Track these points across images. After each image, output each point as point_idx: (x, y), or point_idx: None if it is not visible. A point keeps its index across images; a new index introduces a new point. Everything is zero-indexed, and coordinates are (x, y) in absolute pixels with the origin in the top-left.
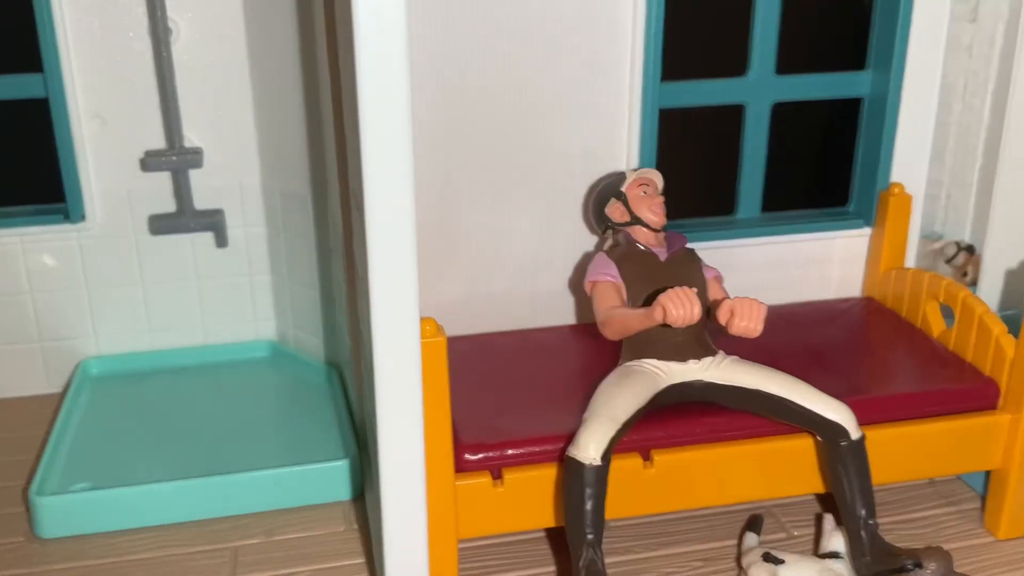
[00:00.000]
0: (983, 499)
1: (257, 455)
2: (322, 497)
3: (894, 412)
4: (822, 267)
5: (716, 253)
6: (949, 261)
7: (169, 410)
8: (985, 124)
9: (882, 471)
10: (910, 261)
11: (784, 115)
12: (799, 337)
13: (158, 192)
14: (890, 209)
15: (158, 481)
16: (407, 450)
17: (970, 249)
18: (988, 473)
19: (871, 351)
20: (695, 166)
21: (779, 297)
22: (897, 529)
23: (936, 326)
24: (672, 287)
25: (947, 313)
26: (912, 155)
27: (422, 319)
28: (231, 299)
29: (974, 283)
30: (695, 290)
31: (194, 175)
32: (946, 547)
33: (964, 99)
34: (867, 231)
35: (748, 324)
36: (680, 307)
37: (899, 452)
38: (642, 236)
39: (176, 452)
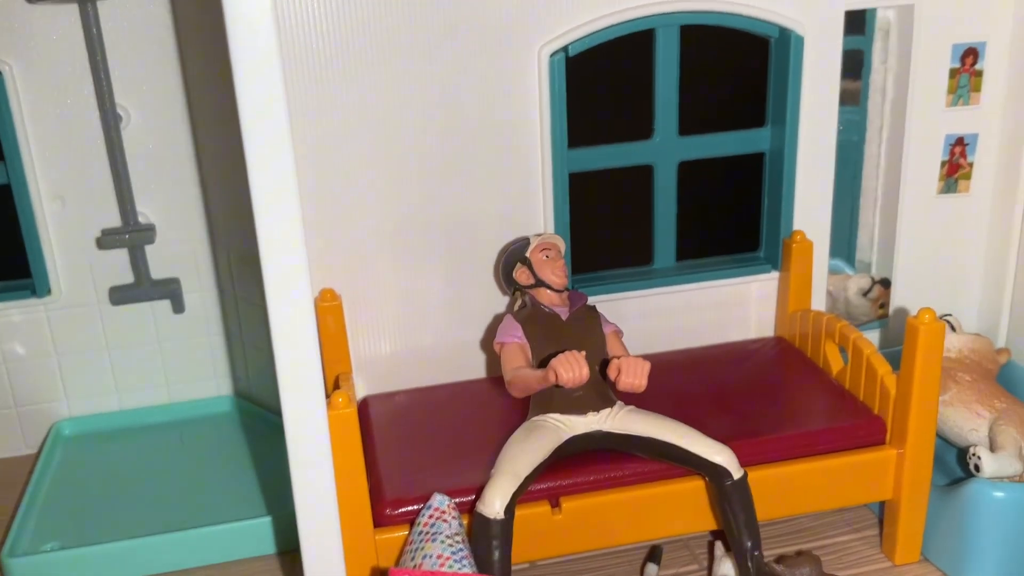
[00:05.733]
0: (881, 525)
1: (218, 509)
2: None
3: (789, 450)
4: (740, 309)
5: (638, 301)
6: (866, 294)
7: (136, 467)
8: (882, 169)
9: (783, 505)
10: (817, 302)
11: (702, 166)
12: (709, 378)
13: (117, 265)
14: (793, 255)
15: (123, 539)
16: (322, 511)
17: (884, 283)
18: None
19: (773, 391)
20: (615, 221)
21: (702, 339)
22: None
23: (835, 365)
24: (570, 347)
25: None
26: (813, 203)
27: (335, 392)
28: (191, 359)
29: (887, 315)
30: (583, 353)
31: (149, 246)
32: (847, 573)
33: (862, 146)
34: (776, 275)
35: (633, 381)
36: (569, 370)
37: (797, 487)
38: (546, 297)
39: (142, 509)
